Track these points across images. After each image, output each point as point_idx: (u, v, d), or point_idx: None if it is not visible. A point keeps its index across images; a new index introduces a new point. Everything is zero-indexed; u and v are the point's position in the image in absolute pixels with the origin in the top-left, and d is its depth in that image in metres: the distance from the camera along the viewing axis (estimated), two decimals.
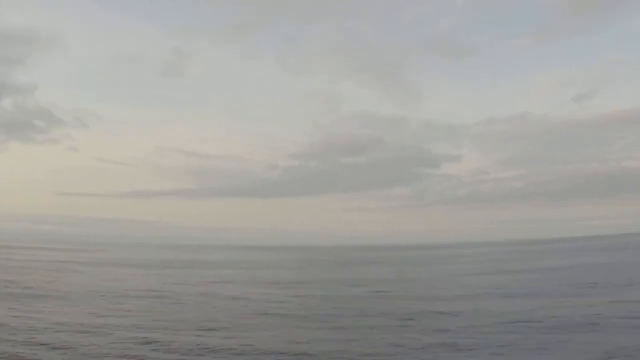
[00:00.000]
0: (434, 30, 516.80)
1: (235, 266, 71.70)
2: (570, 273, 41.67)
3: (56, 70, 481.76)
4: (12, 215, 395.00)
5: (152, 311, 24.51)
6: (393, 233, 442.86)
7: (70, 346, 16.09)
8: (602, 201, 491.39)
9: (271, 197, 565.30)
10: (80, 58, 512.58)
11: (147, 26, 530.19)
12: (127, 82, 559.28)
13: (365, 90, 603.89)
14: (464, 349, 15.59)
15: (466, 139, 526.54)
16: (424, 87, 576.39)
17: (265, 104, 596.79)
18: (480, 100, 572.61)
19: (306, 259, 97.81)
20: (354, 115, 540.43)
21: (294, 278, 48.70)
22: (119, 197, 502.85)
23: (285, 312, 24.31)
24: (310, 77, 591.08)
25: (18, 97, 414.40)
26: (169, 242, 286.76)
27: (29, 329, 18.61)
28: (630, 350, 14.60)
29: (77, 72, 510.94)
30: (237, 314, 23.52)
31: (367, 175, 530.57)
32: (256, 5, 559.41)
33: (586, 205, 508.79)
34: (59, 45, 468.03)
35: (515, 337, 16.75)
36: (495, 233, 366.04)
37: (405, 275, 51.06)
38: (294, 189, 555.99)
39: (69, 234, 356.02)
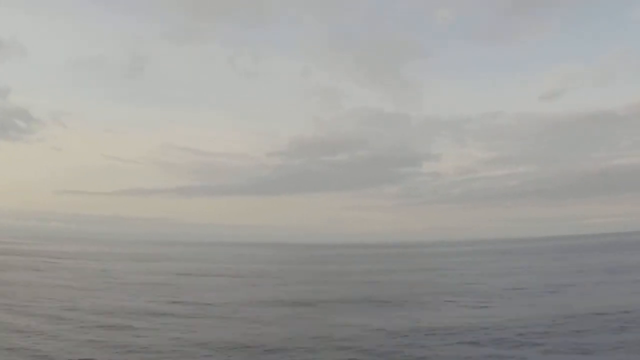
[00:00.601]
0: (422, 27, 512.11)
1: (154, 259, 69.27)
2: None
3: (24, 73, 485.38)
4: (16, 213, 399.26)
5: None
6: (387, 231, 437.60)
7: None
8: (598, 200, 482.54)
9: (268, 195, 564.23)
10: (49, 61, 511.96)
11: (124, 29, 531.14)
12: (104, 83, 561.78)
13: (358, 88, 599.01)
14: None
15: (459, 136, 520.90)
16: (417, 85, 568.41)
17: (264, 102, 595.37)
18: (472, 99, 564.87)
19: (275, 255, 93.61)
20: (352, 113, 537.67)
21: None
22: (118, 195, 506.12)
23: None
24: (307, 76, 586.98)
25: None
26: (161, 239, 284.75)
27: None
28: None
29: (46, 75, 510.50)
30: None
31: (360, 173, 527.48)
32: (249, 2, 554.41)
33: (582, 205, 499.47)
34: (22, 50, 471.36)
35: None
36: (488, 232, 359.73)
37: None
38: (289, 186, 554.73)
39: (72, 230, 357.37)
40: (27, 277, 34.87)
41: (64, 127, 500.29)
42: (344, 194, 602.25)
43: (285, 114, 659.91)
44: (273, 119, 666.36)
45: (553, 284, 30.13)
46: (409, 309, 21.98)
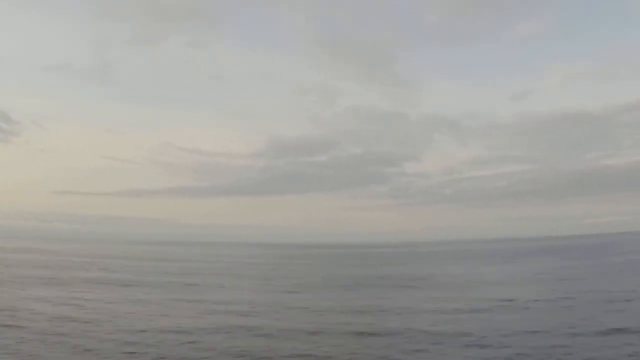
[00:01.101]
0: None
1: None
2: None
3: None
4: (16, 214, 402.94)
5: None
6: (385, 231, 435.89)
7: None
8: (593, 199, 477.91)
9: (264, 195, 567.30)
10: (20, 65, 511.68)
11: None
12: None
13: (351, 86, 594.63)
14: None
15: (448, 136, 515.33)
16: (407, 84, 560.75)
17: (259, 102, 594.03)
18: (460, 99, 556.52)
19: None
20: (345, 112, 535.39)
21: None
22: (117, 196, 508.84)
23: None
24: (301, 74, 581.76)
25: None
26: (152, 238, 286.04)
27: None
28: None
29: (19, 79, 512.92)
30: None
31: (351, 173, 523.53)
32: None
33: (578, 204, 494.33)
34: None
35: None
36: (482, 232, 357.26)
37: None
38: (283, 186, 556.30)
39: (74, 231, 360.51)
40: None
41: (48, 129, 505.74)
42: (336, 194, 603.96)
43: (279, 113, 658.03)
44: (268, 119, 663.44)
45: None
46: None
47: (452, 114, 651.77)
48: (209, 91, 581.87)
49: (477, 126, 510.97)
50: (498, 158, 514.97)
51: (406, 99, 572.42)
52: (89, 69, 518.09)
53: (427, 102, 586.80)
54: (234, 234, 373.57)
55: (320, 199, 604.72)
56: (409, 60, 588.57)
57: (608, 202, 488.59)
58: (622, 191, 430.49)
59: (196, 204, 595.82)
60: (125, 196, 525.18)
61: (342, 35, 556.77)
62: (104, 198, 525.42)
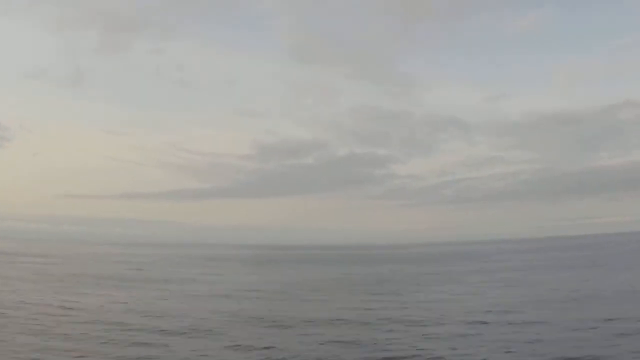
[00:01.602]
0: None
1: None
2: None
3: None
4: (24, 217, 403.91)
5: None
6: (392, 232, 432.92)
7: None
8: (593, 199, 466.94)
9: (259, 197, 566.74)
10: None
11: None
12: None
13: (346, 86, 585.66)
14: None
15: (443, 137, 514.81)
16: (404, 84, 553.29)
17: (259, 102, 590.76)
18: (454, 98, 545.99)
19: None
20: (342, 112, 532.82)
21: None
22: (116, 198, 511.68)
23: None
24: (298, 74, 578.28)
25: None
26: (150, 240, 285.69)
27: None
28: None
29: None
30: None
31: (349, 173, 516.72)
32: None
33: (578, 204, 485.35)
34: None
35: None
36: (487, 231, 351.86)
37: None
38: (279, 188, 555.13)
39: (80, 233, 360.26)
40: None
41: (38, 134, 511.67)
42: (338, 194, 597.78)
43: (279, 113, 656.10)
44: (268, 119, 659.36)
45: None
46: None
47: (451, 114, 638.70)
48: (208, 92, 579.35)
49: (477, 126, 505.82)
50: (497, 158, 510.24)
51: (407, 99, 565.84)
52: (70, 74, 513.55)
53: (428, 102, 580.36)
54: (238, 236, 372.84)
55: (323, 200, 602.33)
56: (408, 60, 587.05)
57: (610, 202, 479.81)
58: (625, 191, 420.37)
59: (198, 205, 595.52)
60: (128, 198, 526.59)
61: (343, 36, 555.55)
62: (105, 201, 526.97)
